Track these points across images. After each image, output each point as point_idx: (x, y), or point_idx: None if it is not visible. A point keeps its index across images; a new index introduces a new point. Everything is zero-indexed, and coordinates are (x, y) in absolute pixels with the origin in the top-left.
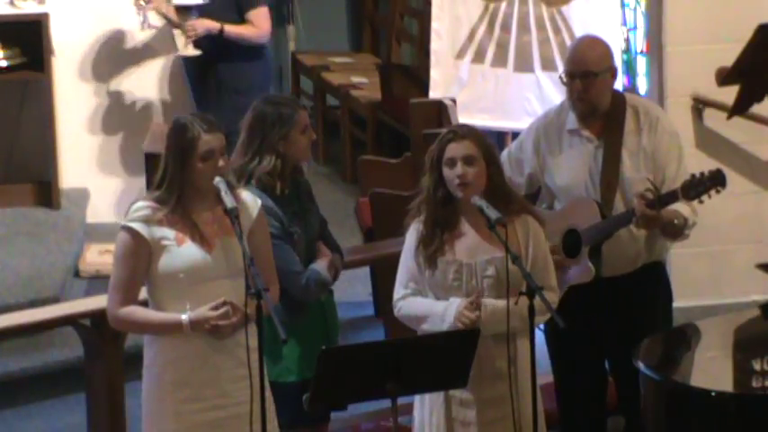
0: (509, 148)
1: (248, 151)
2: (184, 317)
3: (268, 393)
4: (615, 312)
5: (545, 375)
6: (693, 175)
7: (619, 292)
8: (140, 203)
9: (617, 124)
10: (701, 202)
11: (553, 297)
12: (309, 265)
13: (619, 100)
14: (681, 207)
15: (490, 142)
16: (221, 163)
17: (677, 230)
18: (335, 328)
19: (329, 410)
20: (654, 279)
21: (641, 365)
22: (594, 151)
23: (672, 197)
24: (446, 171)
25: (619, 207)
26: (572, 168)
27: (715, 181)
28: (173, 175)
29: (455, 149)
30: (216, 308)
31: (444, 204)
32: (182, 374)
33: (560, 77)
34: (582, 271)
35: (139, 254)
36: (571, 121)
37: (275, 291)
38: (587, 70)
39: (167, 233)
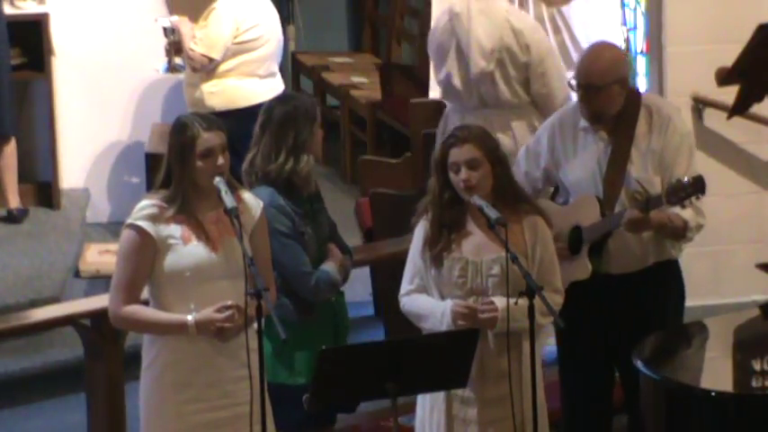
0: (528, 144)
1: (278, 152)
2: (190, 318)
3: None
4: (626, 310)
5: (549, 374)
6: (679, 180)
7: (629, 291)
8: (146, 202)
9: (628, 124)
10: (683, 207)
11: (557, 299)
12: (320, 266)
13: (634, 99)
14: (681, 210)
15: (493, 142)
16: (221, 161)
17: (675, 233)
18: (345, 329)
19: (335, 412)
20: (665, 277)
21: (640, 364)
22: (605, 149)
23: (657, 201)
24: (452, 175)
25: (624, 206)
26: (583, 165)
27: (696, 188)
28: (176, 174)
29: (457, 155)
30: (220, 310)
31: (452, 206)
32: (183, 375)
33: (569, 83)
34: (580, 267)
35: (145, 252)
36: (584, 119)
37: (272, 292)
38: (589, 83)
39: (174, 232)
